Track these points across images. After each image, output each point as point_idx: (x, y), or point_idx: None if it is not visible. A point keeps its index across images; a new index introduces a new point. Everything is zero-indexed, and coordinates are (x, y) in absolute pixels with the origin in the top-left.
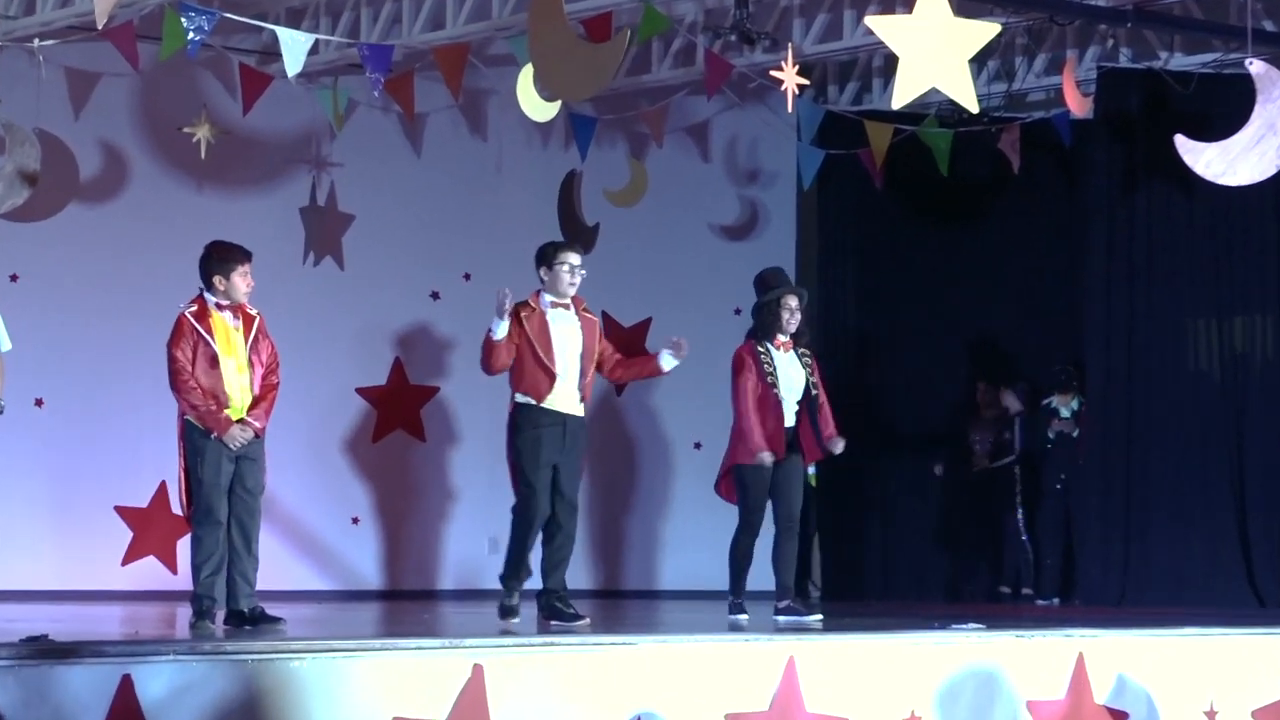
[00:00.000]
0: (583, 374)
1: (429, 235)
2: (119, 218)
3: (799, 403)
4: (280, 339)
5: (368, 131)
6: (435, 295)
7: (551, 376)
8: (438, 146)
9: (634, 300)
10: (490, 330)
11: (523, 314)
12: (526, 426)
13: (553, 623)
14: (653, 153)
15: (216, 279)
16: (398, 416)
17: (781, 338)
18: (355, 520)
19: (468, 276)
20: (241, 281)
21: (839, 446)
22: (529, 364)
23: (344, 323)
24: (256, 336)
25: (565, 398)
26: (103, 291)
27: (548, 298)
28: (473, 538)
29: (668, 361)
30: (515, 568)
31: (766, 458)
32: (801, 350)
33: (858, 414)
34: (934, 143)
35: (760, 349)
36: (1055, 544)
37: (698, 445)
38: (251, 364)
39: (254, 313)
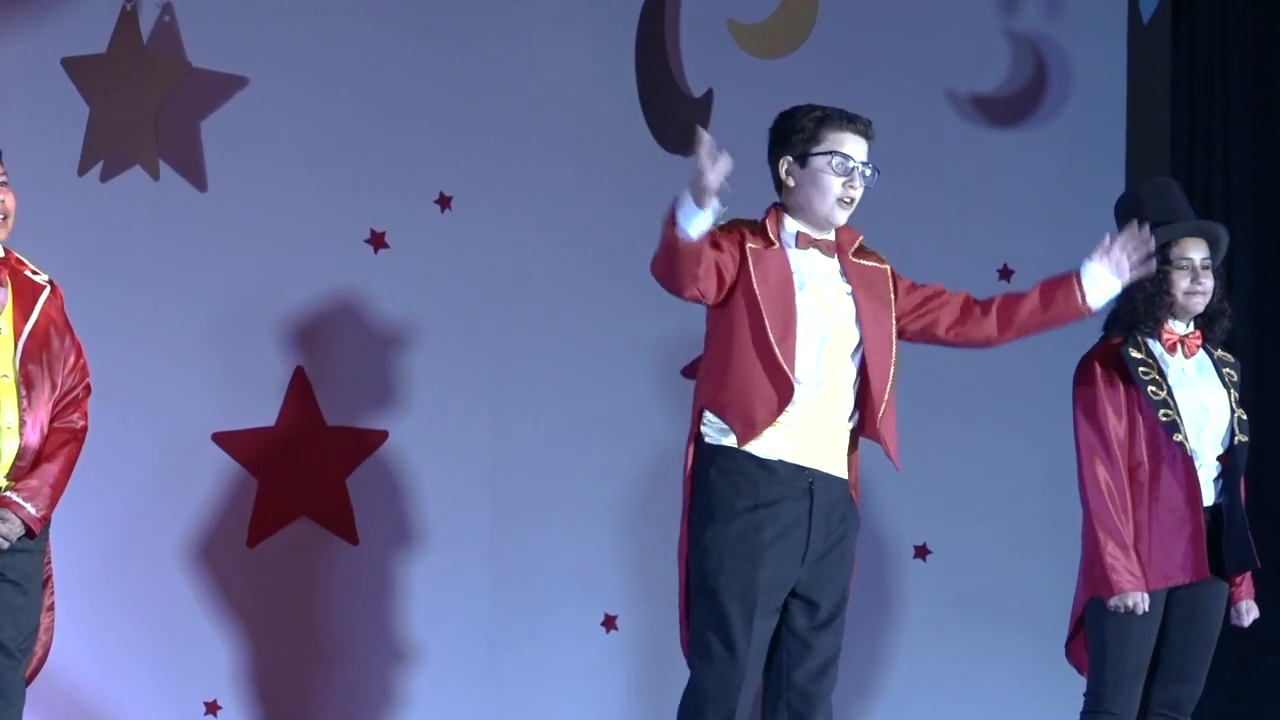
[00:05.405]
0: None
1: (368, 119)
2: None
3: (1220, 462)
4: None
5: None
6: (377, 239)
7: (788, 385)
8: None
9: None
10: (674, 208)
11: (749, 245)
12: (729, 496)
13: None
14: None
15: None
16: (300, 493)
17: (1175, 327)
18: (213, 709)
19: (445, 202)
20: None
21: (1250, 614)
22: (745, 354)
23: (189, 298)
24: (41, 327)
25: (815, 434)
26: None
27: (792, 225)
28: None
29: (1099, 285)
30: None
31: (1139, 601)
32: (1219, 355)
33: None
34: None
35: (1135, 352)
36: None
37: (922, 552)
38: (25, 383)
39: (42, 280)
